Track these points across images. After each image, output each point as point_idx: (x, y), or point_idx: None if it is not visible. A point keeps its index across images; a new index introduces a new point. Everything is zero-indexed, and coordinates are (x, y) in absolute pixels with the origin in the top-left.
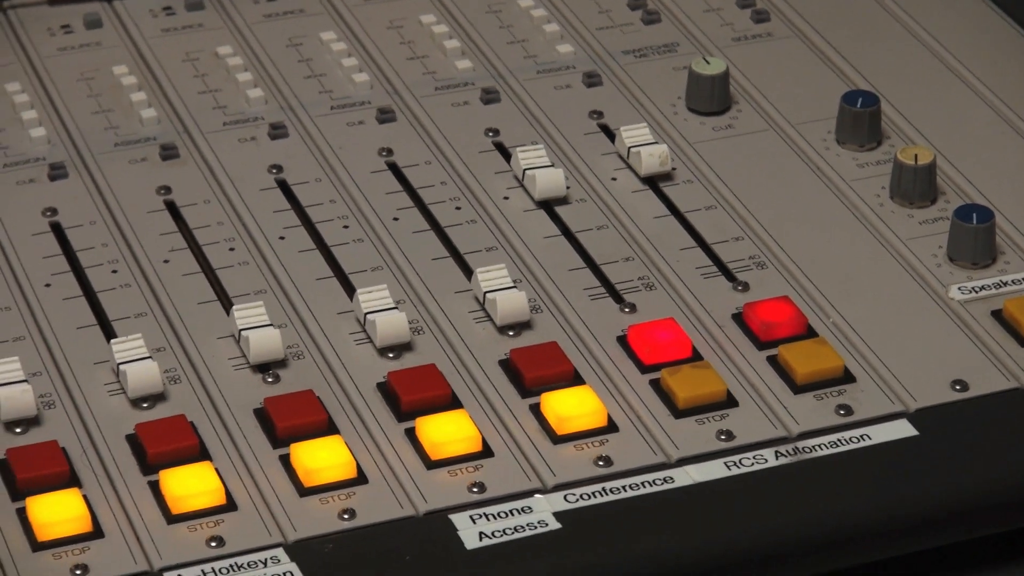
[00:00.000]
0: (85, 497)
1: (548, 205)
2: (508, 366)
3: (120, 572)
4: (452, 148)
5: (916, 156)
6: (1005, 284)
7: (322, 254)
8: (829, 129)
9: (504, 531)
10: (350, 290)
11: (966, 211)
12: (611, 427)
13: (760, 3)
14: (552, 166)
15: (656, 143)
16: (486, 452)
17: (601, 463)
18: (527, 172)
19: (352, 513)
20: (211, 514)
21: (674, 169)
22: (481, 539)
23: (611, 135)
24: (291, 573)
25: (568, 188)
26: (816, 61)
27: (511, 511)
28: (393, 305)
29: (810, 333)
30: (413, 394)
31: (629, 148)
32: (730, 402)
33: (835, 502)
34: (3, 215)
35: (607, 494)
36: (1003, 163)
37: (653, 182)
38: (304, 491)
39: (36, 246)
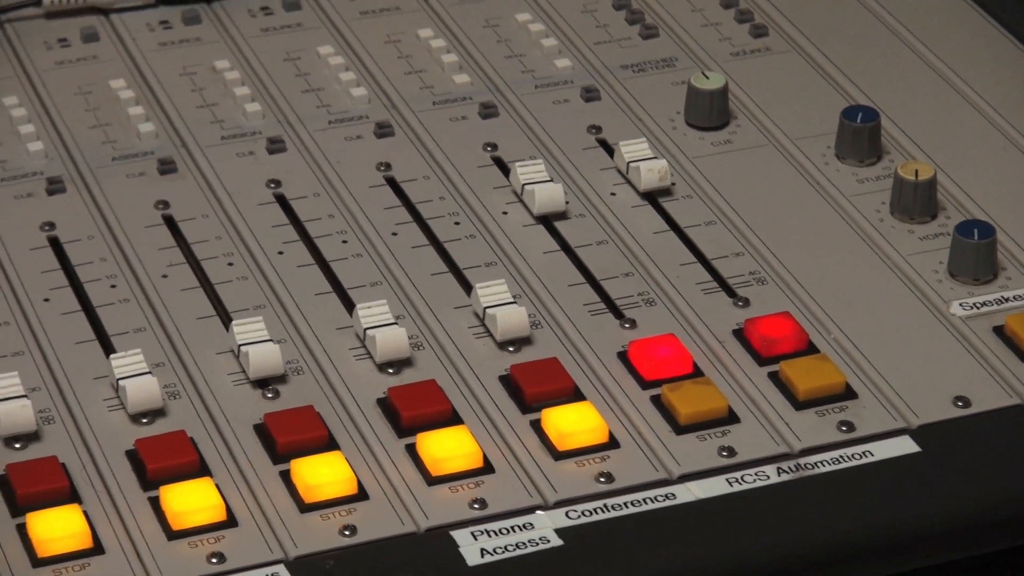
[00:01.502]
0: (85, 513)
1: (547, 220)
2: (508, 382)
3: None
4: (451, 163)
5: (916, 171)
6: (1007, 300)
7: (321, 269)
8: (829, 144)
9: (506, 547)
10: (349, 305)
11: (967, 227)
12: (612, 443)
13: (759, 18)
14: (551, 181)
15: (655, 158)
16: (487, 468)
17: (602, 479)
18: (526, 187)
19: (353, 529)
20: (212, 530)
21: (673, 184)
22: (483, 555)
23: (610, 150)
24: None
25: (567, 203)
26: (815, 76)
27: (512, 527)
28: (393, 320)
29: (811, 349)
30: (413, 410)
31: (628, 163)
32: (731, 418)
33: (837, 519)
34: (1, 230)
35: (609, 510)
36: (1004, 178)
37: (652, 197)
38: (305, 507)
39: (34, 261)
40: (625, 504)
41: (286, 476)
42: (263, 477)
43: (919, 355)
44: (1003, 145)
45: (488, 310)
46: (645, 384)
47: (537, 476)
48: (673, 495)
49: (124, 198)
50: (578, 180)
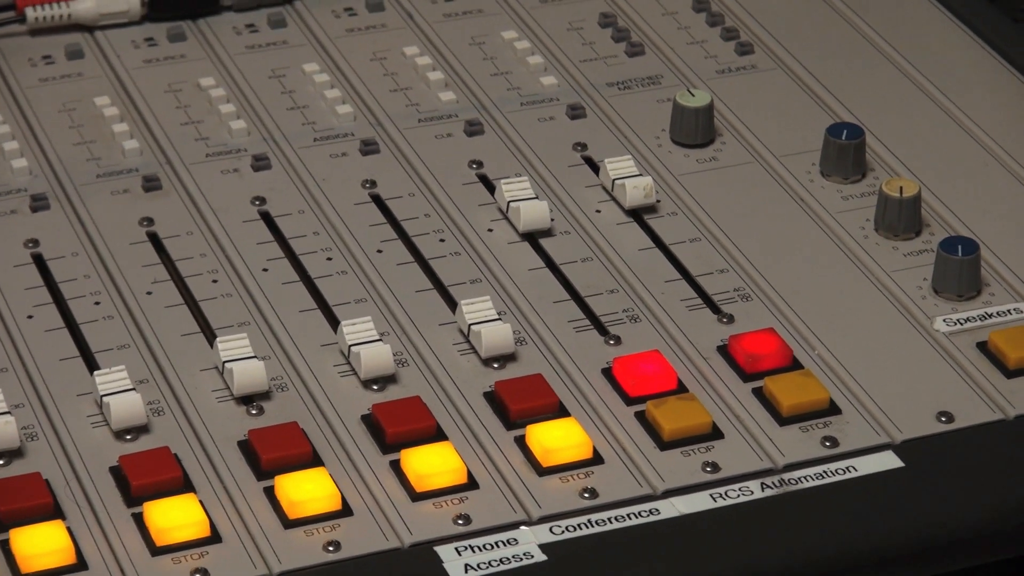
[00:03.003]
0: (69, 529)
1: (532, 237)
2: (493, 398)
3: None
4: (436, 180)
5: (901, 188)
6: (990, 316)
7: (306, 286)
8: (814, 161)
9: (490, 563)
10: (334, 322)
11: (951, 243)
12: (596, 459)
13: (744, 35)
14: (536, 198)
15: (640, 175)
16: (471, 484)
17: (587, 495)
18: (511, 204)
19: (337, 545)
20: (195, 546)
21: (658, 201)
22: (467, 571)
23: (595, 167)
24: None
25: (552, 220)
26: (800, 93)
27: (497, 543)
28: (377, 337)
29: (795, 365)
30: (398, 426)
31: (614, 180)
32: (715, 434)
33: (821, 534)
34: None
35: (593, 526)
36: (988, 195)
37: (637, 214)
38: (289, 523)
39: (18, 278)
40: (609, 520)
41: (270, 492)
42: (247, 493)
43: (903, 371)
44: (987, 161)
45: (473, 327)
46: (629, 400)
47: (521, 492)
48: (657, 511)
49: (108, 215)
50: (563, 197)
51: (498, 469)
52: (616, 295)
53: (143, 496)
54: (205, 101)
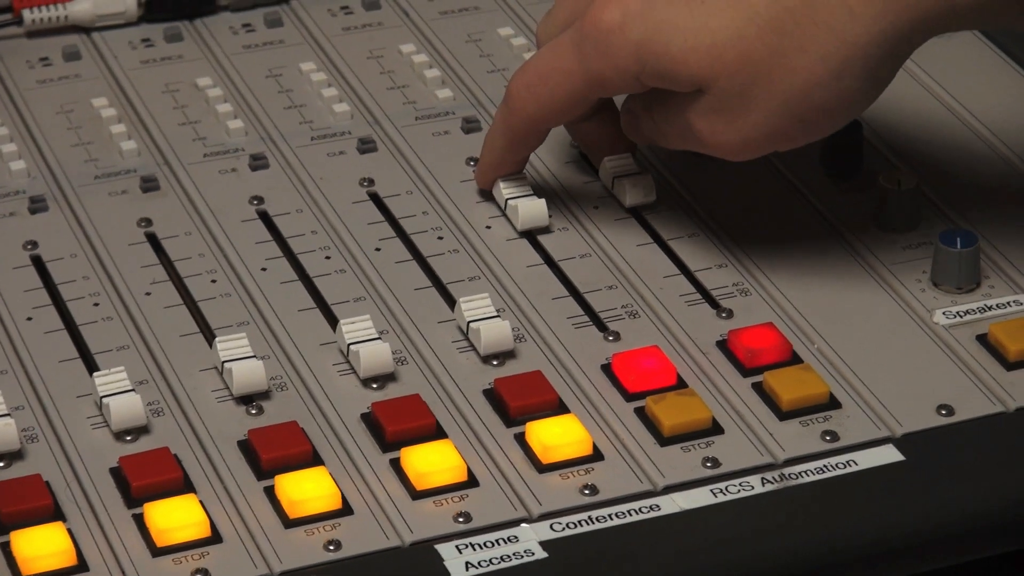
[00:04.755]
0: (69, 531)
1: (531, 235)
2: (492, 395)
3: None
4: (433, 178)
5: (899, 181)
6: (990, 308)
7: (304, 285)
8: (812, 156)
9: (491, 560)
10: (333, 321)
11: (950, 236)
12: (596, 455)
13: None
14: (534, 196)
15: (640, 173)
16: (471, 482)
17: (587, 492)
18: (509, 202)
19: (338, 544)
20: (196, 546)
21: (657, 198)
22: (468, 569)
23: (588, 160)
24: None
25: (551, 217)
26: None
27: (497, 540)
28: (376, 336)
29: (795, 359)
30: (397, 424)
31: (613, 177)
32: (715, 429)
33: (822, 528)
34: None
35: (593, 523)
36: (986, 187)
37: (636, 210)
38: (289, 523)
39: (17, 280)
40: (610, 516)
41: (270, 492)
42: (247, 493)
43: (902, 364)
44: (985, 154)
45: (472, 324)
46: (629, 396)
47: (521, 489)
48: (658, 506)
49: (107, 216)
50: (561, 193)
51: (498, 466)
52: (615, 291)
53: (143, 497)
54: (202, 101)
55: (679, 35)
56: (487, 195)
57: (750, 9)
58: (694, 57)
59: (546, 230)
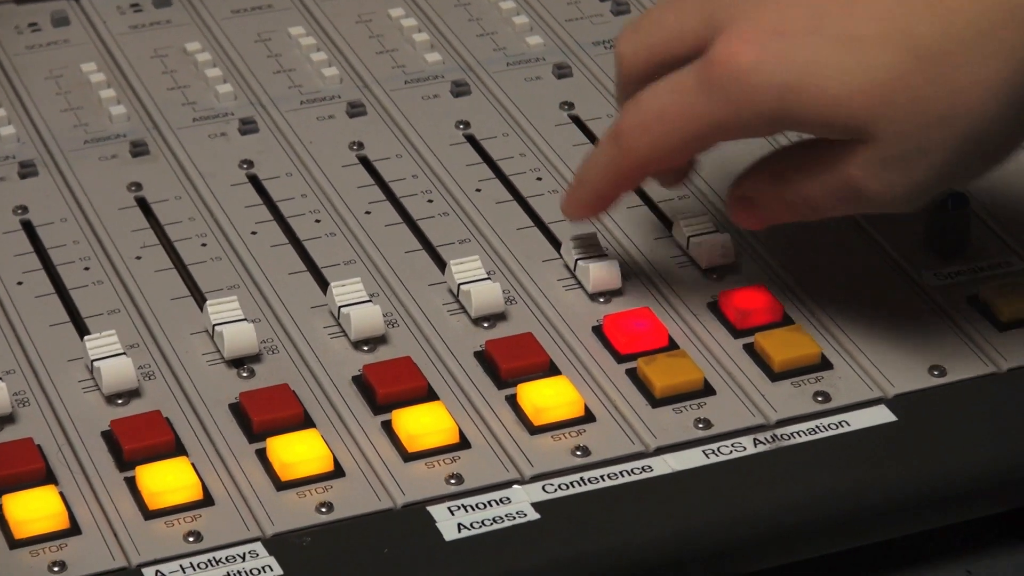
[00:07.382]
0: (61, 494)
1: (521, 198)
2: (483, 357)
3: (98, 569)
4: (423, 141)
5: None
6: (981, 269)
7: (295, 248)
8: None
9: (483, 522)
10: (323, 284)
11: (941, 198)
12: (588, 417)
13: None
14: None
15: None
16: (463, 444)
17: (579, 453)
18: (580, 263)
19: (329, 506)
20: (188, 509)
21: None
22: (460, 530)
23: (582, 126)
24: (269, 567)
25: (540, 180)
26: None
27: (489, 502)
28: (367, 298)
29: (786, 320)
30: (389, 387)
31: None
32: (707, 390)
33: (814, 488)
34: None
35: (585, 484)
36: None
37: None
38: (281, 485)
39: (7, 244)
40: (602, 477)
41: (262, 454)
42: (239, 456)
43: (895, 325)
44: None
45: (462, 286)
46: (620, 358)
47: (513, 451)
48: (650, 467)
49: (96, 181)
50: (551, 156)
51: (490, 428)
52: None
53: (135, 460)
54: (191, 66)
55: (834, 76)
56: (476, 158)
57: (911, 41)
58: (859, 100)
59: (536, 194)
